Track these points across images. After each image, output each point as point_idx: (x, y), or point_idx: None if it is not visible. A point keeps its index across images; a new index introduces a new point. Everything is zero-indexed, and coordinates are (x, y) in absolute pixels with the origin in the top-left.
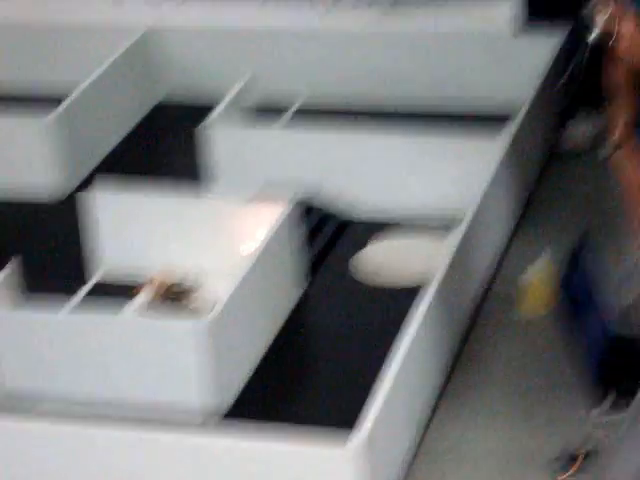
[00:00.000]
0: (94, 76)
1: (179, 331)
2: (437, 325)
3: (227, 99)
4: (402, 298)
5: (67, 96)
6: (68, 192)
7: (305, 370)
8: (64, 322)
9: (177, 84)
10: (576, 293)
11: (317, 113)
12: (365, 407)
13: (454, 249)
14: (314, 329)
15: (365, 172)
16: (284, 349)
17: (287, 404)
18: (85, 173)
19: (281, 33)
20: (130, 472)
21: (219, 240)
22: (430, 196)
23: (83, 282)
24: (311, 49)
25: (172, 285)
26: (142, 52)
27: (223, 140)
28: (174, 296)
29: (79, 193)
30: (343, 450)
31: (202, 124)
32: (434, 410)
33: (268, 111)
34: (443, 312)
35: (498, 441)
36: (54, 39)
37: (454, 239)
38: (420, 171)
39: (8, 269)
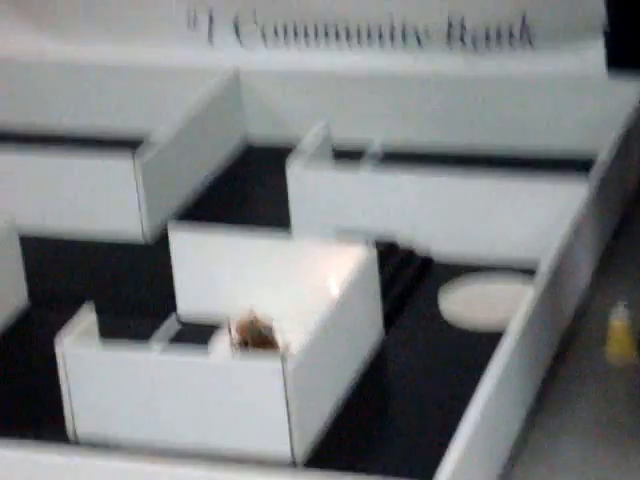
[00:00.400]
0: (184, 115)
1: (263, 372)
2: (519, 371)
3: (312, 141)
4: (486, 342)
5: (156, 137)
6: (155, 233)
7: (384, 415)
8: (149, 362)
9: (265, 125)
10: None
11: (400, 156)
12: (444, 455)
13: (537, 294)
14: (395, 371)
15: (447, 215)
16: (365, 392)
17: (366, 450)
18: (171, 214)
19: (367, 77)
20: None
21: (301, 281)
22: (513, 239)
23: (163, 323)
24: (397, 92)
25: (255, 331)
26: (231, 93)
27: (306, 182)
28: (256, 342)
29: (165, 233)
30: None
31: (287, 165)
32: (516, 457)
33: (351, 154)
34: (525, 358)
35: None
36: (143, 79)
37: (538, 283)
38: (503, 214)
39: (86, 310)
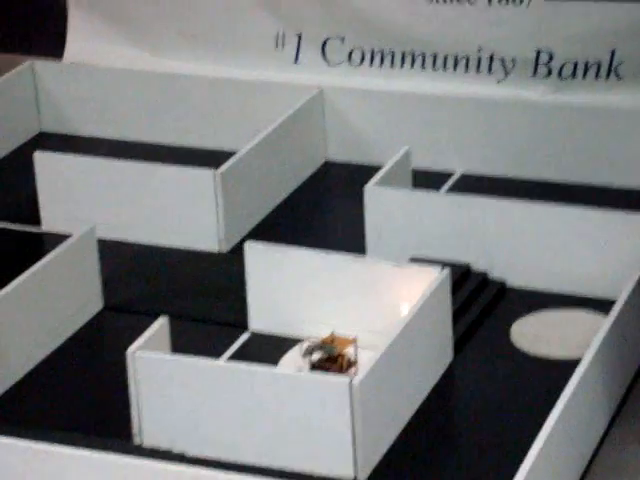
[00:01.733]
0: (267, 131)
1: (333, 389)
2: (589, 402)
3: (392, 161)
4: (556, 372)
5: (239, 150)
6: (231, 245)
7: (449, 440)
8: (215, 369)
9: (345, 145)
10: None
11: (479, 182)
12: None
13: (611, 323)
14: (462, 397)
15: (523, 241)
16: (431, 416)
17: (427, 476)
18: (249, 226)
19: (449, 100)
20: None
21: (373, 302)
22: (591, 268)
23: (233, 337)
24: (480, 117)
25: (328, 351)
26: (314, 110)
27: (385, 201)
28: (326, 363)
29: (241, 245)
30: None
31: (367, 185)
32: None
33: (431, 178)
34: (597, 388)
35: None
36: (229, 94)
37: (613, 314)
38: (580, 245)
39: (160, 322)
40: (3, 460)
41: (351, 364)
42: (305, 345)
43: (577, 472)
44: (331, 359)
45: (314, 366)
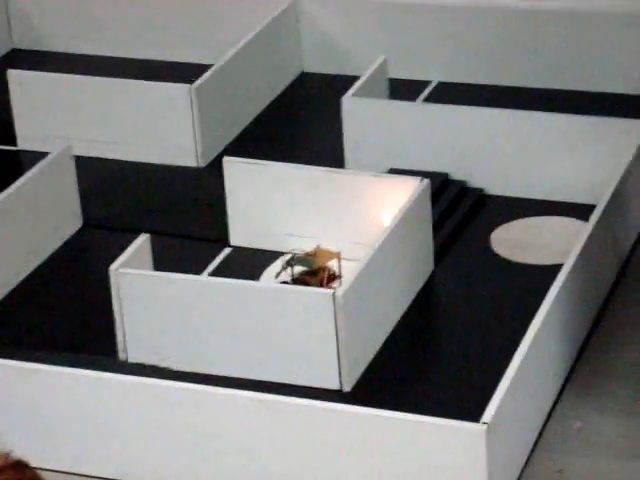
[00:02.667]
0: (242, 43)
1: (316, 300)
2: (569, 307)
3: (369, 71)
4: (537, 276)
5: (213, 63)
6: (209, 160)
7: (432, 349)
8: (198, 284)
9: (321, 54)
10: None
11: (456, 89)
12: (493, 394)
13: (592, 228)
14: (444, 305)
15: (503, 148)
16: (414, 324)
17: (409, 387)
18: (227, 140)
19: (425, 8)
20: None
21: (354, 214)
22: (570, 174)
23: (214, 252)
24: (456, 24)
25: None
26: (288, 21)
27: (363, 112)
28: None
29: (219, 160)
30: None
31: (344, 95)
32: (559, 395)
33: (407, 85)
34: (576, 294)
35: (624, 429)
36: (202, 5)
37: (593, 218)
38: (560, 149)
39: (141, 239)
40: None
41: (334, 277)
42: (286, 258)
43: (561, 375)
44: (311, 273)
45: (294, 279)
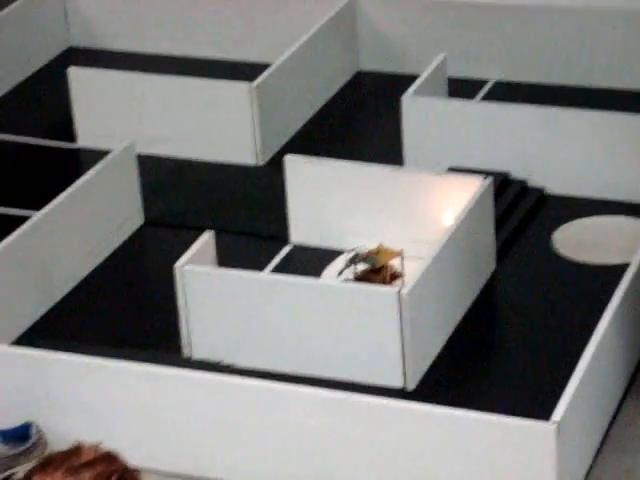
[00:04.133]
0: (300, 42)
1: (381, 299)
2: (635, 308)
3: (428, 70)
4: (603, 276)
5: (272, 62)
6: (268, 157)
7: (495, 349)
8: (263, 282)
9: (377, 53)
10: None
11: (513, 88)
12: (561, 394)
13: None
14: (507, 304)
15: (561, 147)
16: (476, 323)
17: (473, 385)
18: (285, 139)
19: (481, 6)
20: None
21: (415, 213)
22: (630, 173)
23: (275, 250)
24: (513, 24)
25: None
26: (345, 20)
27: (422, 110)
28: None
29: (279, 158)
30: (547, 425)
31: (404, 94)
32: (624, 396)
33: (464, 84)
34: None
35: None
36: (261, 5)
37: None
38: (620, 148)
39: (205, 237)
40: (55, 375)
41: (396, 276)
42: (349, 255)
43: (626, 376)
44: (374, 271)
45: (357, 277)
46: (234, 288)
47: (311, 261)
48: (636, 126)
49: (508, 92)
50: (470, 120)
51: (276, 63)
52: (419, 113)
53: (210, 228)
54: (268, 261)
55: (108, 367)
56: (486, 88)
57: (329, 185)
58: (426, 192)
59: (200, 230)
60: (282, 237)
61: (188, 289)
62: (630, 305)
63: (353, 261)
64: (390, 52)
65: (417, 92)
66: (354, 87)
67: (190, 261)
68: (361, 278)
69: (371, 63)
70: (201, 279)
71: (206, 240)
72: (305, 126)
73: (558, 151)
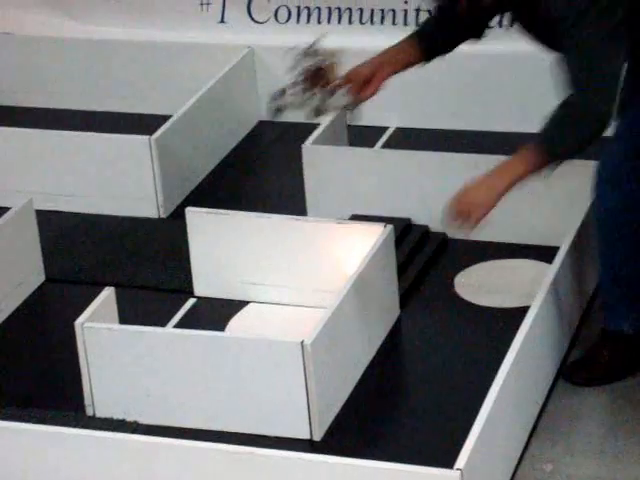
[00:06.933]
0: (199, 93)
1: (284, 350)
2: (536, 350)
3: (328, 118)
4: (504, 319)
5: (172, 114)
6: (170, 210)
7: (401, 396)
8: (165, 336)
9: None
10: None
11: (413, 134)
12: (464, 439)
13: (556, 271)
14: (413, 350)
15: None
16: (382, 371)
17: (380, 433)
18: (187, 191)
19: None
20: None
21: (318, 261)
22: (531, 217)
23: (179, 303)
24: (410, 70)
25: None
26: (245, 70)
27: (323, 159)
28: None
29: (179, 210)
30: (451, 472)
31: (304, 144)
32: (529, 438)
33: (365, 131)
34: (544, 335)
35: (595, 469)
36: (157, 58)
37: (557, 261)
38: (519, 192)
39: (106, 293)
40: None
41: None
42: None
43: (531, 418)
44: (318, 74)
45: (305, 78)
46: (136, 344)
47: (215, 313)
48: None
49: (408, 138)
50: (370, 167)
51: (175, 115)
52: (320, 162)
53: (113, 283)
54: (172, 315)
55: (9, 429)
56: (386, 135)
57: (231, 236)
58: (328, 240)
59: (102, 286)
60: (186, 290)
61: (89, 346)
62: (531, 348)
63: (304, 54)
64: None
65: (317, 141)
66: (255, 137)
67: (90, 318)
68: (309, 78)
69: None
70: (102, 336)
71: (107, 296)
72: (207, 177)
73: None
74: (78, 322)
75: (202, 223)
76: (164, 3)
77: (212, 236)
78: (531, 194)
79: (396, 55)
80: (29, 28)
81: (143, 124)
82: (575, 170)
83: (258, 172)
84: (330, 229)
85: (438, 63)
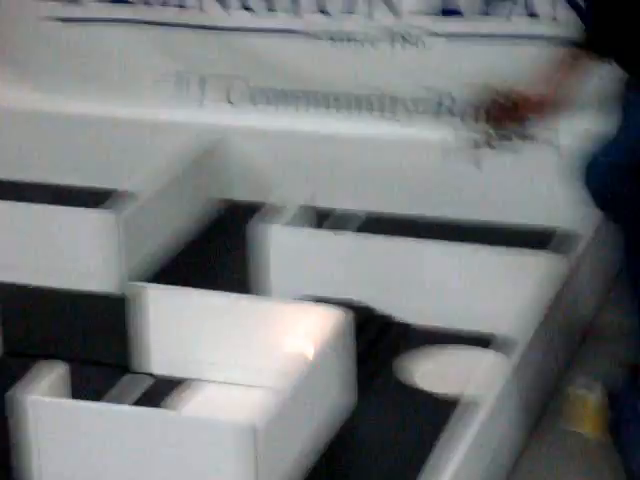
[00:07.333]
0: (170, 173)
1: (230, 432)
2: (489, 442)
3: (296, 202)
4: (444, 407)
5: (138, 192)
6: (128, 287)
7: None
8: (119, 415)
9: (249, 185)
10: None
11: (381, 220)
12: None
13: (512, 365)
14: (365, 440)
15: (412, 279)
16: (334, 459)
17: None
18: (153, 269)
19: (353, 140)
20: None
21: (274, 343)
22: (478, 306)
23: (137, 382)
24: (383, 158)
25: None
26: (217, 152)
27: (289, 241)
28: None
29: (133, 288)
30: None
31: (270, 224)
32: None
33: (335, 218)
34: (497, 429)
35: None
36: (129, 135)
37: (514, 355)
38: (469, 281)
39: (59, 369)
40: None
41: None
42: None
43: None
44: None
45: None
46: (84, 421)
47: (170, 392)
48: (493, 259)
49: (375, 225)
50: (335, 252)
51: (144, 194)
52: (285, 244)
53: (64, 358)
54: (132, 393)
55: None
56: (356, 221)
57: (188, 315)
58: (286, 323)
59: (56, 360)
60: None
61: (37, 422)
62: (481, 437)
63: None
64: (259, 183)
65: (284, 223)
66: (221, 217)
67: (27, 392)
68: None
69: (240, 193)
70: (50, 411)
71: (58, 372)
72: (173, 256)
73: (409, 282)
74: (27, 398)
75: (160, 301)
76: (139, 82)
77: (170, 314)
78: (479, 284)
79: None
80: None
81: (109, 200)
82: (528, 263)
83: (222, 252)
84: (288, 311)
85: (411, 150)
